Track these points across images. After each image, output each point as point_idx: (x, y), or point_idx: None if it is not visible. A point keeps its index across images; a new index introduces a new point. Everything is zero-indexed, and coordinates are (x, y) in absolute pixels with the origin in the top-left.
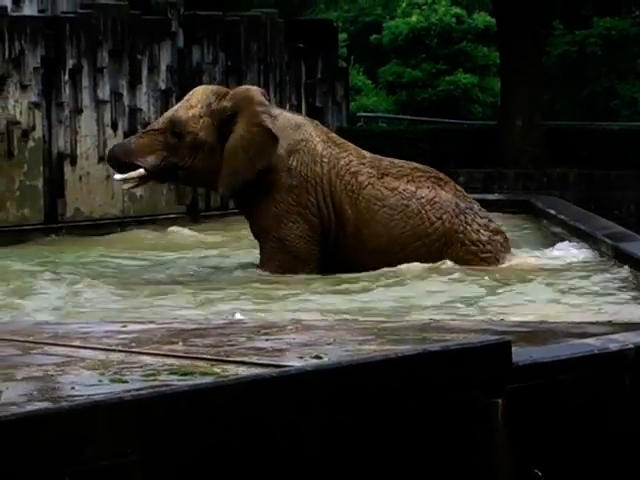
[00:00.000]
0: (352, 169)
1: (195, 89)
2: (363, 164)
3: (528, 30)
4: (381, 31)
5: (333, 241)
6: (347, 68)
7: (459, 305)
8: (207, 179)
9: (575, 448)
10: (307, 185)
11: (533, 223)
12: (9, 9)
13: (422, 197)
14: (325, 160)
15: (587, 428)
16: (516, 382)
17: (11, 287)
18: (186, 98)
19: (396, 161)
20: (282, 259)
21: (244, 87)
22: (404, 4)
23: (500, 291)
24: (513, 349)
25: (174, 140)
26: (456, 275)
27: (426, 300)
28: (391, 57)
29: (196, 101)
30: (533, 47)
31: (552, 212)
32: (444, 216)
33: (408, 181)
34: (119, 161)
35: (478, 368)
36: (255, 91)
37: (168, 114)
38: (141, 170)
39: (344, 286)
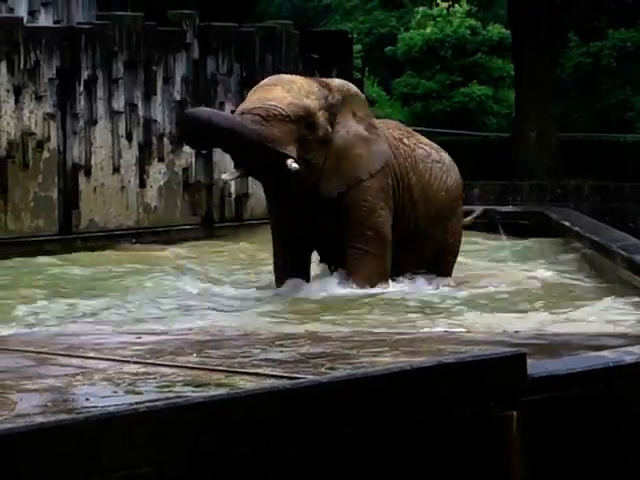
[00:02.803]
0: (396, 136)
1: (289, 77)
2: (399, 130)
3: (543, 42)
4: (396, 43)
5: (404, 214)
6: (362, 79)
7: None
8: (314, 177)
9: (589, 462)
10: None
11: (547, 235)
12: (25, 20)
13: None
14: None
15: (602, 441)
16: (531, 394)
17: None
18: (292, 88)
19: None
20: (381, 250)
21: (343, 81)
22: (419, 16)
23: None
24: (528, 361)
25: (306, 132)
26: None
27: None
28: (405, 68)
29: (309, 91)
30: (548, 59)
31: (567, 224)
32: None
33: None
34: (217, 135)
35: (493, 380)
36: (354, 86)
37: (298, 102)
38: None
39: None
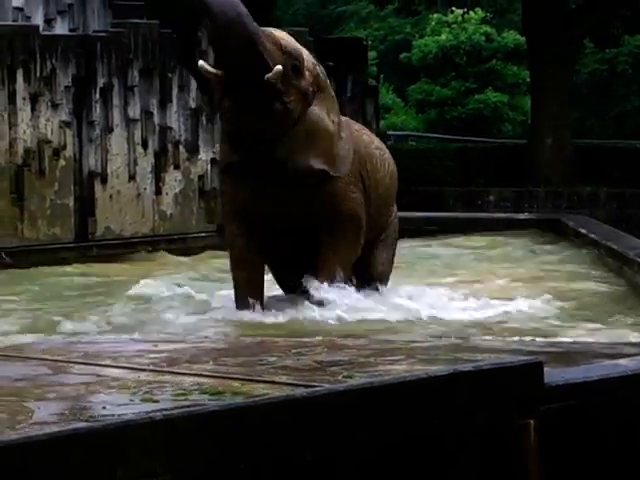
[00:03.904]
0: (351, 126)
1: (280, 31)
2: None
3: (558, 48)
4: (410, 49)
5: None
6: (377, 86)
7: None
8: (286, 126)
9: (608, 470)
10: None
11: (563, 242)
12: (41, 28)
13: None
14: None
15: (620, 449)
16: (548, 403)
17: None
18: (285, 38)
19: None
20: (356, 236)
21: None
22: (433, 23)
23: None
24: (545, 369)
25: (291, 73)
26: None
27: None
28: (420, 75)
29: (299, 48)
30: (563, 65)
31: (583, 231)
32: None
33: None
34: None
35: (510, 388)
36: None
37: (292, 42)
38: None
39: None
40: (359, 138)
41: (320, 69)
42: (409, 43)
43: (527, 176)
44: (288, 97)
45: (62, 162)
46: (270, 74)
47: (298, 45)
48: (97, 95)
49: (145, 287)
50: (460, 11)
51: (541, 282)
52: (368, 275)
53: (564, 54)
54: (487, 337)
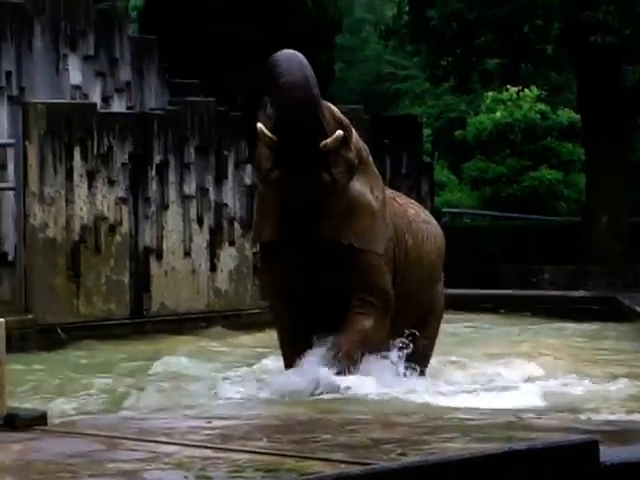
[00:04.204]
0: (389, 195)
1: (333, 106)
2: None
3: (613, 126)
4: (465, 126)
5: (400, 276)
6: (432, 163)
7: None
8: (331, 199)
9: None
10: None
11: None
12: (98, 106)
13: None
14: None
15: None
16: None
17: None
18: (337, 110)
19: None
20: (386, 311)
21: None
22: (489, 100)
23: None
24: (601, 448)
25: (340, 144)
26: None
27: None
28: (475, 152)
29: (348, 121)
30: (618, 143)
31: (639, 309)
32: None
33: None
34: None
35: (565, 468)
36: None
37: (342, 115)
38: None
39: None
40: (405, 212)
41: (362, 144)
42: (464, 120)
43: (582, 254)
44: (336, 168)
45: (118, 238)
46: (329, 140)
47: (345, 117)
48: (153, 172)
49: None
50: (515, 89)
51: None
52: (415, 355)
53: (619, 132)
54: (542, 415)
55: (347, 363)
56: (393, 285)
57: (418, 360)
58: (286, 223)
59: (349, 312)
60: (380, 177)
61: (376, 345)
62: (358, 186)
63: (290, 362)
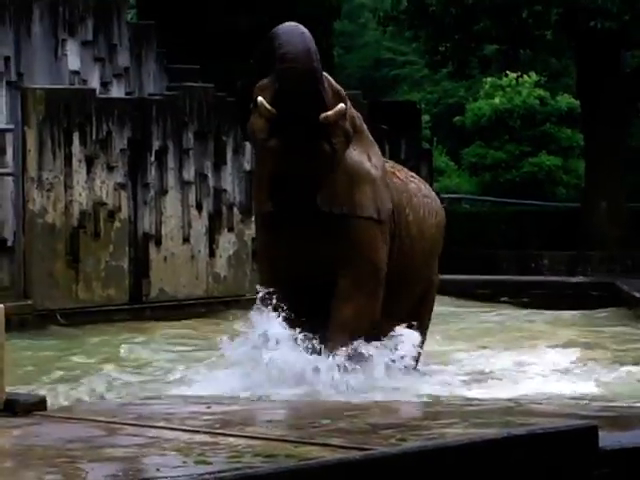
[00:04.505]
0: (389, 169)
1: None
2: (388, 162)
3: (612, 112)
4: (464, 113)
5: (401, 251)
6: (430, 149)
7: None
8: (331, 168)
9: None
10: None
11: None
12: (97, 91)
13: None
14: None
15: None
16: (603, 467)
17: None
18: (339, 86)
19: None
20: (376, 289)
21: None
22: (487, 86)
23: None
24: (600, 434)
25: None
26: None
27: None
28: (474, 139)
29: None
30: (618, 129)
31: (638, 295)
32: None
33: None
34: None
35: (564, 453)
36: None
37: (336, 85)
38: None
39: None
40: (406, 187)
41: (355, 112)
42: (463, 106)
43: (581, 240)
44: (336, 138)
45: (117, 224)
46: (331, 113)
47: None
48: (152, 158)
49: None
50: (514, 75)
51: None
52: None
53: (618, 117)
54: (542, 400)
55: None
56: (389, 264)
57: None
58: (282, 194)
59: (335, 298)
60: (376, 143)
61: (367, 327)
62: (355, 155)
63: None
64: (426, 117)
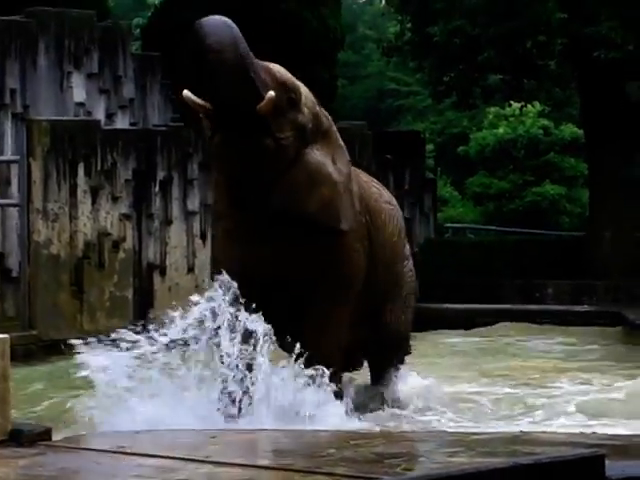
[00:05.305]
0: (360, 177)
1: (276, 65)
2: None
3: (616, 141)
4: (468, 142)
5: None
6: (434, 179)
7: None
8: (279, 165)
9: None
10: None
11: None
12: (102, 123)
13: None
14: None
15: None
16: None
17: None
18: (281, 71)
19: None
20: (349, 299)
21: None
22: (491, 116)
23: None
24: (606, 463)
25: (286, 106)
26: None
27: None
28: (478, 168)
29: (296, 82)
30: (621, 159)
31: None
32: None
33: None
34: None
35: None
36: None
37: (288, 75)
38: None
39: None
40: (368, 191)
41: (324, 112)
42: (467, 136)
43: (585, 269)
44: (282, 132)
45: (122, 254)
46: (262, 103)
47: (295, 79)
48: (157, 188)
49: None
50: (518, 104)
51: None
52: (383, 337)
53: (623, 147)
54: (547, 429)
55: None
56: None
57: (392, 338)
58: (237, 199)
59: (305, 327)
60: (345, 148)
61: (344, 331)
62: (317, 155)
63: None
64: (430, 147)
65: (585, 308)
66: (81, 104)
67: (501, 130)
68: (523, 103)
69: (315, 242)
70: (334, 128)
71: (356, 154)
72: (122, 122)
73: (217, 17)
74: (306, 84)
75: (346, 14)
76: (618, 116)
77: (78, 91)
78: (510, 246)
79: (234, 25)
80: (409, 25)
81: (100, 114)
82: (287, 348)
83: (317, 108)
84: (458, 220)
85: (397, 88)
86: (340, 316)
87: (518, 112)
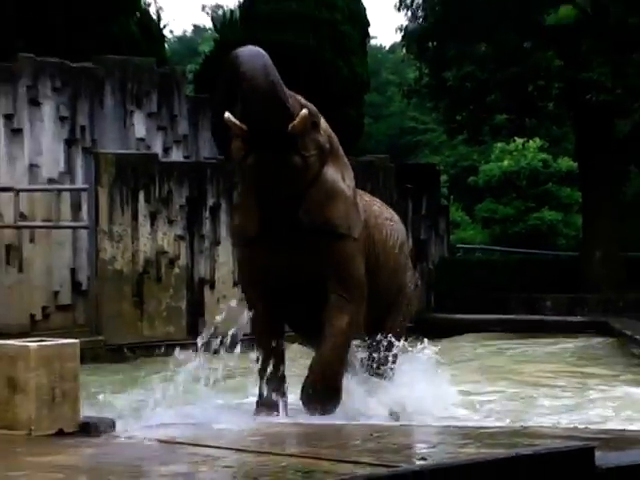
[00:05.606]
0: (363, 196)
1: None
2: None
3: (607, 173)
4: (477, 174)
5: (368, 269)
6: (448, 206)
7: None
8: (306, 179)
9: None
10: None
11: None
12: (160, 156)
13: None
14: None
15: None
16: None
17: None
18: (310, 103)
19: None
20: (362, 300)
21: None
22: (497, 151)
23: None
24: (596, 454)
25: (310, 129)
26: None
27: None
28: (486, 196)
29: (314, 108)
30: (611, 188)
31: (628, 333)
32: None
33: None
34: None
35: (564, 471)
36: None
37: (307, 103)
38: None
39: None
40: (370, 208)
41: (333, 134)
42: (476, 168)
43: (579, 284)
44: (308, 151)
45: (176, 270)
46: (296, 122)
47: (313, 106)
48: (207, 213)
49: None
50: (520, 140)
51: None
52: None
53: (612, 178)
54: (546, 424)
55: (332, 384)
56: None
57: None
58: (267, 214)
59: (326, 314)
60: (349, 166)
61: (355, 333)
62: (331, 173)
63: (261, 347)
64: (444, 177)
65: (578, 319)
66: (141, 139)
67: (506, 163)
68: (525, 139)
69: (330, 247)
70: (340, 148)
71: (380, 183)
72: (177, 155)
73: (250, 46)
74: (337, 122)
75: (371, 61)
76: (608, 151)
77: (139, 128)
78: (514, 264)
79: (266, 54)
80: (426, 71)
81: (158, 148)
82: (308, 343)
83: (329, 130)
84: (468, 241)
85: (416, 126)
86: (352, 311)
87: (521, 147)
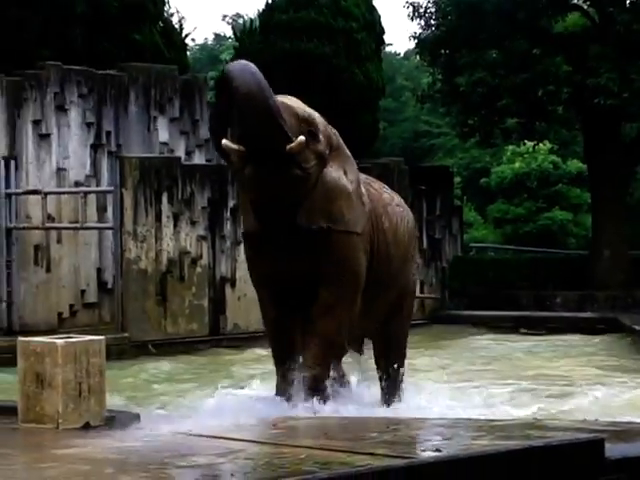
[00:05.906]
0: (365, 180)
1: (292, 99)
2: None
3: (615, 174)
4: (489, 175)
5: (379, 257)
6: (461, 206)
7: None
8: (305, 190)
9: None
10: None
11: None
12: (182, 159)
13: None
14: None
15: None
16: (608, 475)
17: None
18: (300, 106)
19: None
20: (354, 296)
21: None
22: (509, 153)
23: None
24: (606, 446)
25: (308, 139)
26: None
27: None
28: (498, 197)
29: (312, 113)
30: (619, 189)
31: (638, 328)
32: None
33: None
34: (265, 113)
35: (575, 462)
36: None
37: (305, 109)
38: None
39: None
40: (380, 197)
41: (333, 130)
42: (488, 170)
43: (589, 281)
44: (308, 163)
45: (199, 269)
46: (293, 145)
47: (310, 110)
48: (228, 214)
49: None
50: (531, 143)
51: None
52: (384, 347)
53: (620, 180)
54: (558, 417)
55: (314, 386)
56: (368, 270)
57: (393, 343)
58: (265, 215)
59: (315, 311)
60: (352, 159)
61: (346, 335)
62: (332, 171)
63: (275, 352)
64: (457, 179)
65: (588, 315)
66: (165, 143)
67: (517, 165)
68: (536, 142)
69: (327, 247)
70: (341, 142)
71: (395, 185)
72: (199, 159)
73: (243, 64)
74: (353, 127)
75: (386, 68)
76: (616, 153)
77: (162, 132)
78: (525, 263)
79: (259, 72)
80: (439, 77)
81: (181, 152)
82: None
83: (327, 129)
84: (481, 240)
85: (429, 130)
86: (345, 302)
87: (531, 150)
